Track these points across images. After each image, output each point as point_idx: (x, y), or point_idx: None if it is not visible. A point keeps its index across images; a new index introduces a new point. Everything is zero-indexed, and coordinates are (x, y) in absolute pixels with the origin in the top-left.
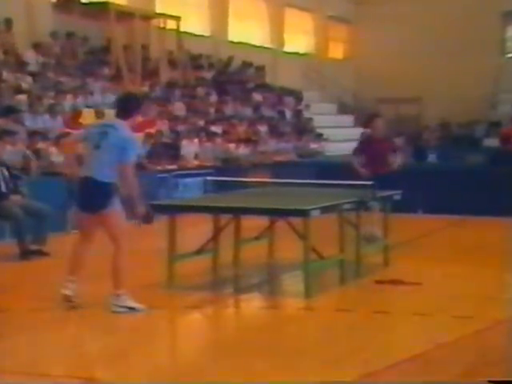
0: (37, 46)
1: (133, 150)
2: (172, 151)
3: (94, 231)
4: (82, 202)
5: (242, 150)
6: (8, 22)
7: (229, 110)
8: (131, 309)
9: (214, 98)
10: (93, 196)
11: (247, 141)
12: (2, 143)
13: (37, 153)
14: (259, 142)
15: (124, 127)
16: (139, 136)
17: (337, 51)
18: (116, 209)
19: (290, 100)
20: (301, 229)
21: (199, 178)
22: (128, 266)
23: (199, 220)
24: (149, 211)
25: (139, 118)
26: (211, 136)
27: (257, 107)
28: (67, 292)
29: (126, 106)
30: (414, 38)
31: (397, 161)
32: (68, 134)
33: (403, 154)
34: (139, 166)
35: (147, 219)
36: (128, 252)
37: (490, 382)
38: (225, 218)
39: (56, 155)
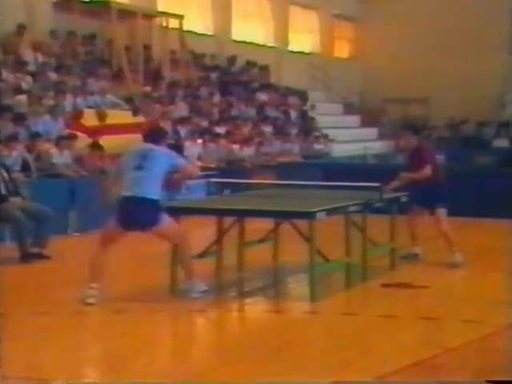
0: (37, 46)
1: (178, 160)
2: (175, 152)
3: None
4: (129, 221)
5: (246, 151)
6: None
7: (233, 110)
8: (203, 291)
9: (217, 98)
10: (145, 215)
11: (251, 142)
12: (8, 148)
13: (38, 155)
14: (264, 143)
15: (164, 150)
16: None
17: (343, 50)
18: (166, 219)
19: (294, 100)
20: (306, 231)
21: (202, 180)
22: (131, 269)
23: (203, 222)
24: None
25: (142, 119)
26: (215, 137)
27: (261, 107)
28: (90, 300)
29: (157, 135)
30: (421, 37)
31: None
32: (69, 134)
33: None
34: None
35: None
36: (131, 255)
37: (488, 382)
38: (229, 221)
39: (57, 157)
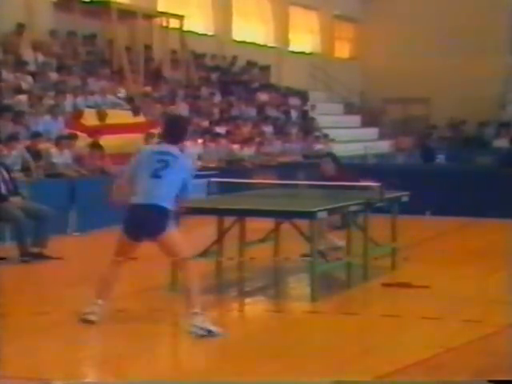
0: (37, 45)
1: (191, 183)
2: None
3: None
4: (135, 228)
5: (247, 151)
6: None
7: (233, 110)
8: (209, 332)
9: (217, 98)
10: (154, 222)
11: (252, 142)
12: (8, 148)
13: (38, 154)
14: (264, 143)
15: (183, 157)
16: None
17: (343, 50)
18: (172, 229)
19: (295, 100)
20: (307, 231)
21: (203, 180)
22: (131, 268)
23: (203, 222)
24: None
25: (143, 119)
26: (215, 137)
27: (261, 107)
28: (92, 318)
29: (178, 131)
30: (422, 37)
31: None
32: (69, 134)
33: None
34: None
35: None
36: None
37: (489, 381)
38: (229, 220)
39: (57, 156)
